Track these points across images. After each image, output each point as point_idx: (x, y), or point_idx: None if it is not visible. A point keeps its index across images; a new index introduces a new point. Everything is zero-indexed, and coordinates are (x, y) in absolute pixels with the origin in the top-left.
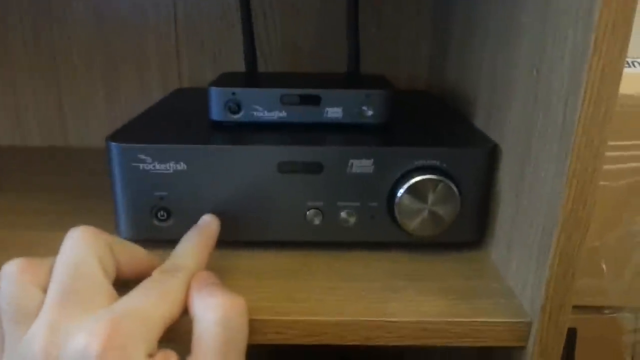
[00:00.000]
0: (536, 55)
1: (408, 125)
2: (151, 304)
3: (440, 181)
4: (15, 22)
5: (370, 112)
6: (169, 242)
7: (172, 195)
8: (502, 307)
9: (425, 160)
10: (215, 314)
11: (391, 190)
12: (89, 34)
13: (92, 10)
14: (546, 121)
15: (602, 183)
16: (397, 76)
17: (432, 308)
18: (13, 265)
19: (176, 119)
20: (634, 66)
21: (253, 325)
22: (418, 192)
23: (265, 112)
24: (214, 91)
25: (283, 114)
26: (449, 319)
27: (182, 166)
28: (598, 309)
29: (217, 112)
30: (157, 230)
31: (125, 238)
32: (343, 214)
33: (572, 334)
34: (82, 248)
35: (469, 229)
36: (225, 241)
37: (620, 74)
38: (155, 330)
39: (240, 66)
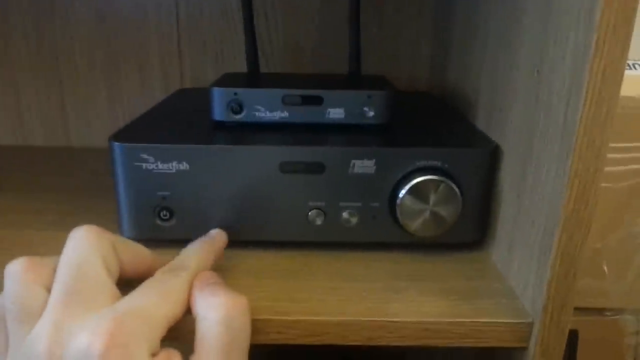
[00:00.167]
0: (537, 55)
1: (409, 126)
2: (154, 303)
3: (442, 182)
4: (17, 21)
5: (371, 113)
6: (172, 241)
7: (175, 195)
8: (504, 307)
9: (426, 160)
10: (218, 314)
11: (393, 190)
12: (91, 34)
13: (94, 10)
14: (547, 121)
15: (603, 185)
16: (399, 76)
17: (434, 308)
18: (17, 265)
19: (178, 119)
20: (635, 68)
21: (255, 325)
22: (420, 193)
23: (267, 112)
24: (216, 91)
25: (285, 114)
26: (451, 320)
27: (184, 166)
28: (600, 311)
29: (219, 112)
30: (159, 229)
31: (128, 237)
32: (345, 214)
33: (573, 336)
34: (85, 247)
35: (470, 229)
36: (228, 241)
37: (621, 74)
38: (158, 329)
39: (242, 66)
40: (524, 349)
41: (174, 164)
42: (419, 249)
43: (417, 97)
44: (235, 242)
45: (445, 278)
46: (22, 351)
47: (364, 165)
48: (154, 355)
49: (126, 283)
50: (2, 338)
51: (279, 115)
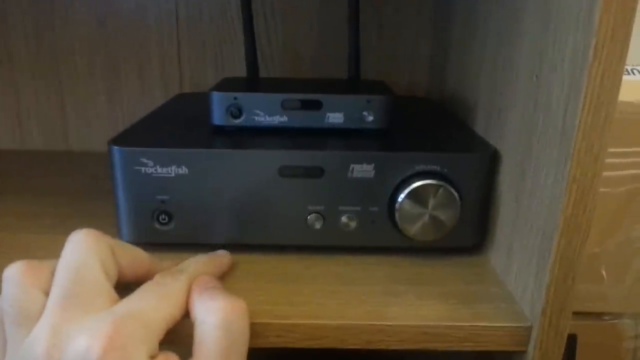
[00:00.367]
0: (537, 58)
1: (408, 131)
2: (152, 306)
3: (441, 186)
4: (17, 23)
5: (370, 118)
6: (170, 245)
7: (174, 199)
8: (503, 311)
9: (425, 165)
10: (216, 318)
11: (392, 195)
12: (91, 35)
13: (94, 11)
14: (546, 126)
15: (602, 189)
16: (398, 77)
17: (433, 312)
18: (15, 268)
19: (178, 123)
20: (634, 74)
21: (254, 329)
22: (419, 197)
23: (267, 116)
24: (216, 96)
25: (284, 118)
26: (450, 323)
27: (183, 170)
28: (598, 315)
29: (218, 116)
30: (158, 233)
31: (127, 241)
32: (344, 219)
33: (572, 340)
34: (84, 251)
35: (469, 233)
36: (226, 245)
37: (620, 78)
38: (156, 332)
39: (241, 68)
40: (523, 352)
41: (173, 168)
42: (418, 253)
43: (416, 101)
44: (234, 246)
45: (444, 282)
46: (20, 354)
47: (363, 170)
48: (152, 357)
49: (124, 287)
50: (0, 341)
51: (278, 119)
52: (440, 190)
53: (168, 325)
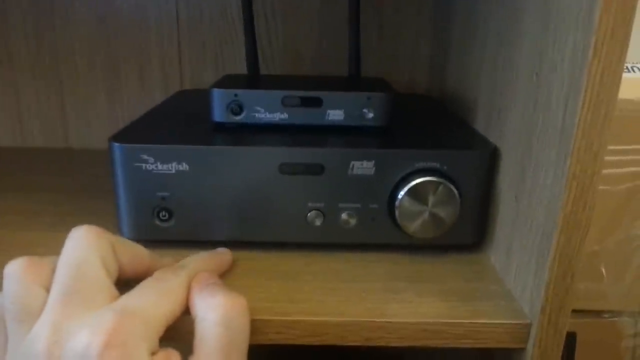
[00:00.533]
0: (536, 58)
1: (409, 128)
2: (152, 302)
3: (441, 183)
4: (17, 23)
5: (371, 115)
6: (171, 242)
7: (174, 195)
8: (502, 308)
9: (425, 162)
10: (217, 314)
11: (392, 192)
12: (91, 35)
13: (94, 10)
14: (546, 124)
15: (601, 187)
16: (398, 77)
17: (432, 309)
18: (16, 265)
19: (178, 120)
20: (634, 71)
21: (254, 326)
22: (418, 194)
23: (267, 113)
24: (216, 93)
25: (285, 115)
26: (449, 321)
27: (184, 167)
28: (598, 313)
29: (219, 113)
30: (158, 230)
31: (127, 238)
32: (344, 216)
33: (571, 338)
34: (84, 248)
35: (469, 231)
36: (227, 242)
37: (619, 77)
38: (157, 328)
39: (242, 68)
40: (522, 350)
41: (174, 164)
42: (417, 250)
43: (416, 99)
44: (234, 243)
45: (444, 279)
46: (21, 351)
47: (363, 167)
48: (153, 354)
49: (125, 283)
50: (2, 338)
51: (279, 116)
52: (440, 188)
53: (168, 321)
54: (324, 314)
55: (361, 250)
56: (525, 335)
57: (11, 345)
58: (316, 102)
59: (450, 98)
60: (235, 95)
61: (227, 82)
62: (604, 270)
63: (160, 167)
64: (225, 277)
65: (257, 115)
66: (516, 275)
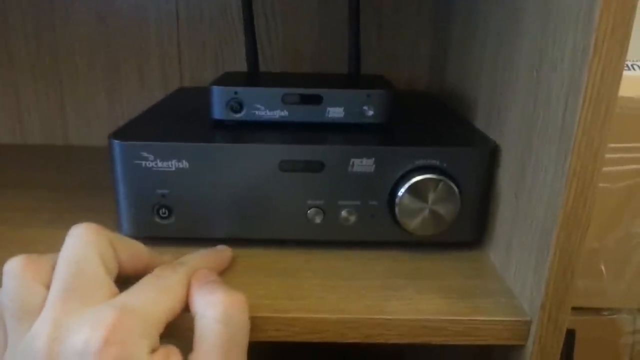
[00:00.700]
0: (536, 55)
1: (409, 125)
2: (152, 299)
3: (441, 180)
4: (17, 21)
5: (371, 112)
6: (170, 239)
7: (174, 192)
8: (502, 305)
9: (425, 159)
10: (216, 311)
11: (392, 189)
12: (91, 34)
13: (94, 10)
14: (546, 121)
15: (601, 185)
16: (398, 77)
17: (432, 306)
18: (16, 262)
19: (178, 118)
20: (634, 69)
21: (253, 323)
22: (418, 192)
23: (267, 111)
24: (216, 90)
25: (284, 113)
26: (449, 317)
27: (184, 164)
28: (597, 311)
29: (219, 111)
30: (158, 227)
31: (127, 235)
32: (344, 213)
33: (570, 335)
34: (84, 245)
35: (468, 228)
36: (226, 239)
37: (620, 74)
38: (156, 325)
39: (241, 68)
40: (522, 347)
41: (174, 162)
42: (417, 247)
43: (416, 96)
44: (234, 240)
45: (443, 276)
46: (21, 348)
47: (363, 164)
48: (153, 351)
49: (124, 281)
50: (1, 335)
51: (279, 114)
52: (440, 185)
53: (168, 318)
54: (324, 311)
55: (361, 248)
56: (525, 332)
57: (11, 342)
58: (316, 100)
59: (450, 98)
60: (235, 92)
61: (227, 79)
62: (603, 268)
63: (160, 164)
64: (224, 274)
65: (257, 112)
66: (516, 273)
